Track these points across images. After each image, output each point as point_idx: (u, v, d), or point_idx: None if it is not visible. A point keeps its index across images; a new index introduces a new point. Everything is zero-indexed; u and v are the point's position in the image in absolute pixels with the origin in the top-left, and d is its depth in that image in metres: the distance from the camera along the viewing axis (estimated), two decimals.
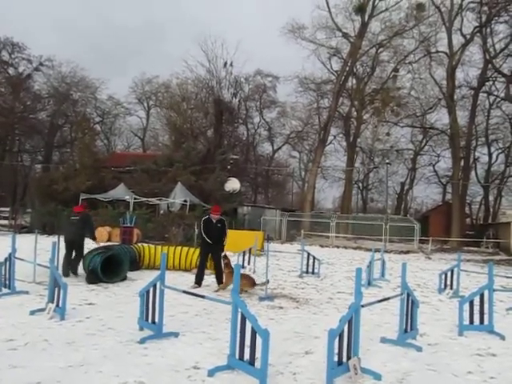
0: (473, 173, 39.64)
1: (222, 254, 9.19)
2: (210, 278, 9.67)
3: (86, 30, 68.72)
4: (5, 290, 7.56)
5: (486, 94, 34.63)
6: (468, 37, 30.64)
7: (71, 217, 10.17)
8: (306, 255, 11.92)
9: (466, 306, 6.31)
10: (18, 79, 40.98)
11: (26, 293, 7.64)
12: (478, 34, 30.61)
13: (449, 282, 9.88)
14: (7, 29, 69.01)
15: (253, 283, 8.92)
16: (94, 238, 10.21)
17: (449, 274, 9.93)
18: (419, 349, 5.38)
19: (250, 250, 12.61)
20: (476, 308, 6.34)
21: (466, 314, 6.31)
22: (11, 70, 41.87)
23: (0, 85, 40.84)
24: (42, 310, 6.29)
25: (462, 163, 32.35)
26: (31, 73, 42.35)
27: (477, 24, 30.40)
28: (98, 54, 67.29)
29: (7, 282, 7.61)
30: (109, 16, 69.63)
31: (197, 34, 40.76)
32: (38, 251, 8.93)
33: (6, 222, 28.74)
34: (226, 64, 35.29)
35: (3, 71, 41.50)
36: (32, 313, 6.29)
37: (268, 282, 8.83)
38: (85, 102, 45.91)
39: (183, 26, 65.17)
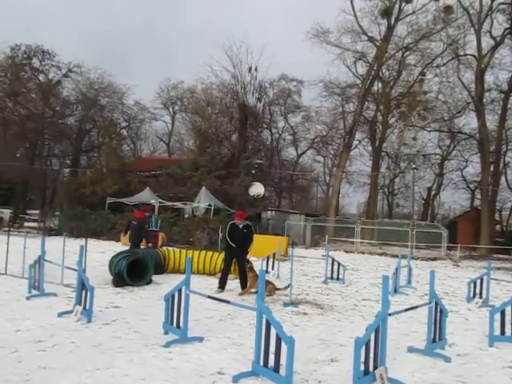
0: (503, 178, 38.55)
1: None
2: (233, 283, 9.67)
3: (107, 35, 70.21)
4: (34, 292, 7.72)
5: None
6: (498, 39, 29.90)
7: (132, 221, 11.67)
8: (330, 261, 11.81)
9: (497, 316, 6.12)
10: (47, 85, 42.07)
11: (54, 295, 7.79)
12: (509, 36, 29.86)
13: (478, 291, 9.62)
14: (37, 36, 71.04)
15: (275, 288, 9.00)
16: (146, 241, 11.97)
17: (478, 282, 9.66)
18: (448, 359, 5.24)
19: (273, 255, 12.57)
20: (507, 318, 6.15)
21: (497, 324, 6.12)
22: (41, 77, 43.05)
23: (31, 91, 42.02)
24: (70, 312, 6.40)
25: (492, 168, 31.52)
26: (60, 79, 43.42)
27: (507, 26, 29.66)
28: (119, 59, 68.61)
29: (36, 284, 7.78)
30: (129, 21, 70.97)
31: (222, 39, 40.98)
32: (65, 254, 9.10)
33: (35, 224, 29.51)
34: (250, 69, 35.30)
35: (34, 78, 42.69)
36: (60, 315, 6.40)
37: (289, 285, 8.80)
38: (112, 107, 46.75)
39: (207, 32, 65.77)
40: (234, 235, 9.07)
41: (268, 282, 9.03)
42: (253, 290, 8.70)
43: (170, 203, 23.66)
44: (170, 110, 50.74)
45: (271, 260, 12.55)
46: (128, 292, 8.66)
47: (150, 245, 12.20)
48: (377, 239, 27.59)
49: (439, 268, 16.76)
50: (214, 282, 9.73)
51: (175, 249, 12.77)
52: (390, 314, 4.59)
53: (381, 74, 35.28)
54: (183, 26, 75.90)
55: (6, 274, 9.69)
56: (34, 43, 41.03)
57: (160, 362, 4.76)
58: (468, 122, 36.95)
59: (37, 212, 34.09)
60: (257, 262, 11.58)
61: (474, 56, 30.47)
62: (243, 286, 9.14)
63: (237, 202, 25.04)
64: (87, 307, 6.24)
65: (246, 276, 9.15)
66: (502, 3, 29.35)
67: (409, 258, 12.28)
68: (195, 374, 4.45)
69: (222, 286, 9.16)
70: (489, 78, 32.30)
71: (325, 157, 52.16)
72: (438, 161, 44.28)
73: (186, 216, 23.80)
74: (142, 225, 11.71)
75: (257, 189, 27.36)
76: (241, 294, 8.86)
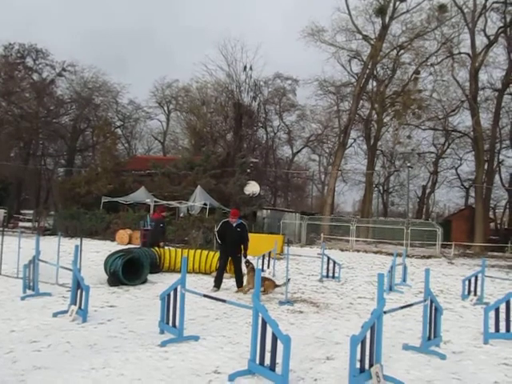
0: (497, 176, 38.77)
1: (245, 259, 9.19)
2: (229, 282, 9.68)
3: (104, 34, 69.94)
4: (29, 292, 7.68)
5: (510, 96, 33.86)
6: (492, 38, 30.02)
7: (150, 222, 12.85)
8: (325, 259, 11.83)
9: (492, 313, 6.15)
10: (41, 84, 41.81)
11: (49, 295, 7.75)
12: (503, 35, 29.99)
13: (472, 288, 9.67)
14: (31, 35, 70.64)
15: (274, 285, 8.97)
16: (162, 240, 12.44)
17: (472, 279, 9.71)
18: (443, 357, 5.26)
19: (269, 253, 12.57)
20: (502, 315, 6.18)
21: (492, 322, 6.15)
22: (35, 76, 42.80)
23: (24, 90, 41.71)
24: (65, 311, 6.38)
25: (486, 166, 31.66)
26: (54, 78, 43.18)
27: (501, 24, 29.79)
28: (115, 58, 68.40)
29: (31, 284, 7.74)
30: (126, 20, 70.69)
31: (218, 38, 40.87)
32: (60, 253, 9.06)
33: (29, 224, 29.37)
34: (245, 68, 35.27)
35: (28, 77, 42.42)
36: (55, 315, 6.37)
37: (289, 280, 8.77)
38: (106, 106, 46.55)
39: (204, 32, 65.72)
40: (227, 233, 9.06)
41: (265, 279, 9.02)
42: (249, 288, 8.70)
43: (165, 202, 23.59)
44: (165, 108, 50.66)
45: (267, 258, 12.57)
46: (123, 291, 8.64)
47: (161, 244, 12.28)
48: (372, 237, 27.70)
49: (434, 266, 16.84)
50: (210, 281, 9.73)
51: (170, 248, 12.76)
52: (385, 312, 4.61)
53: (375, 72, 35.35)
54: (180, 26, 75.87)
55: (0, 274, 9.63)
56: (28, 42, 40.90)
57: (156, 361, 4.75)
58: (462, 120, 37.24)
59: (31, 212, 33.90)
60: (253, 261, 11.56)
61: (468, 54, 30.60)
62: (239, 285, 9.14)
63: (232, 201, 25.03)
64: (82, 307, 6.21)
65: (241, 275, 9.15)
66: (496, 2, 29.48)
67: (404, 256, 12.32)
68: (191, 373, 4.45)
69: (218, 285, 9.16)
70: (483, 76, 32.49)
71: (320, 155, 52.33)
72: (433, 159, 44.50)
73: (182, 215, 23.75)
74: (158, 225, 12.46)
75: (252, 187, 27.36)
76: (237, 292, 8.87)
